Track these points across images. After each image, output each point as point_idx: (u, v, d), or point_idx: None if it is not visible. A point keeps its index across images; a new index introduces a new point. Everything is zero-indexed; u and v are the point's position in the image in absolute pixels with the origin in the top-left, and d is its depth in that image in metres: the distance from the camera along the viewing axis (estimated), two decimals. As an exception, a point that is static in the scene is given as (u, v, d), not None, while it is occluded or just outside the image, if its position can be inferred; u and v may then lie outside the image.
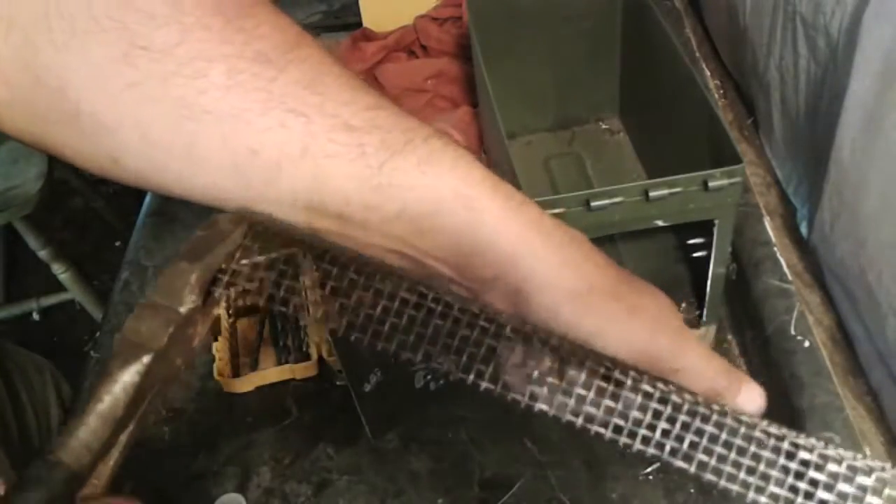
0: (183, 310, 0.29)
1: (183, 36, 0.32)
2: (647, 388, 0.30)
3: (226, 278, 0.31)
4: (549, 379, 0.32)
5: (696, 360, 0.34)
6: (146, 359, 0.28)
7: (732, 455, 0.29)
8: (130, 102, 0.32)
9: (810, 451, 0.29)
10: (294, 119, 0.33)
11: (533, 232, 0.34)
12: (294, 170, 0.33)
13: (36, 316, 1.81)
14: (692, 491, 0.65)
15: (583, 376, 0.31)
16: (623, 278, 0.35)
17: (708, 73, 0.95)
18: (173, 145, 0.33)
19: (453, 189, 0.33)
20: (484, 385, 0.31)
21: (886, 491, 0.28)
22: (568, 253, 0.34)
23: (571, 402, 0.31)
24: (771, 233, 0.75)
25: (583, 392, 0.30)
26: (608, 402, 0.30)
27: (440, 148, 0.34)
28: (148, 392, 0.29)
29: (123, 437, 0.28)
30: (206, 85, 0.32)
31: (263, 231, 0.32)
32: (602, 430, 0.29)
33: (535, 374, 0.32)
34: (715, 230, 0.64)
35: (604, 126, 0.93)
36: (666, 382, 0.31)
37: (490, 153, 0.86)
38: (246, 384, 0.75)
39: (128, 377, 0.28)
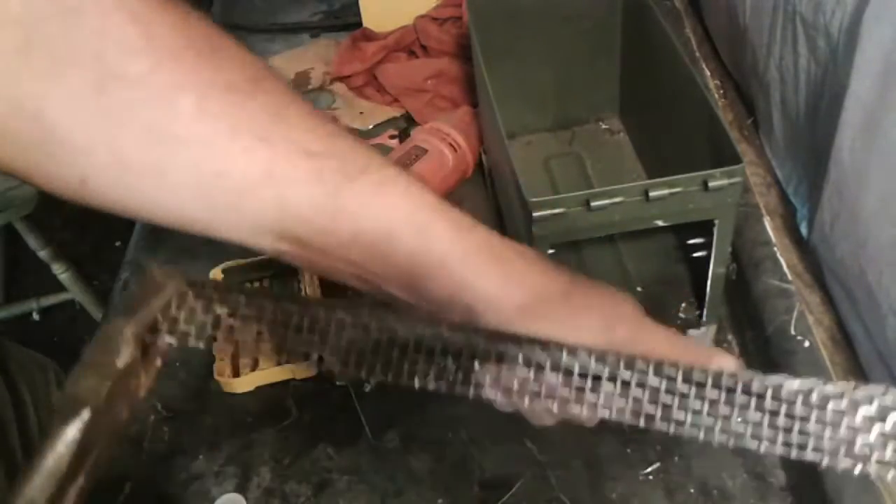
0: (120, 364, 0.30)
1: (155, 66, 0.33)
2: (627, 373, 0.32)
3: (164, 327, 0.32)
4: (529, 388, 0.33)
5: (657, 343, 0.35)
6: (86, 414, 0.29)
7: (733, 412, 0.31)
8: (104, 127, 0.33)
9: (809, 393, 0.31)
10: (259, 144, 0.34)
11: (480, 254, 0.35)
12: (257, 193, 0.34)
13: (36, 316, 1.81)
14: (692, 491, 0.65)
15: (559, 379, 0.32)
16: (572, 282, 0.36)
17: (708, 73, 0.95)
18: (144, 167, 0.34)
19: (405, 214, 0.35)
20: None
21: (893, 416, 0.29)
22: (513, 267, 0.36)
23: (555, 407, 0.32)
24: (771, 233, 0.75)
25: (566, 395, 0.32)
26: (590, 398, 0.32)
27: (393, 176, 0.36)
28: (94, 446, 0.29)
29: (73, 491, 0.29)
30: (176, 112, 0.33)
31: (199, 282, 0.33)
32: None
33: (515, 386, 0.33)
34: (715, 230, 0.64)
35: (604, 126, 0.93)
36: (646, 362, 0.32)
37: (490, 153, 0.86)
38: (246, 384, 0.75)
39: (70, 433, 0.28)
